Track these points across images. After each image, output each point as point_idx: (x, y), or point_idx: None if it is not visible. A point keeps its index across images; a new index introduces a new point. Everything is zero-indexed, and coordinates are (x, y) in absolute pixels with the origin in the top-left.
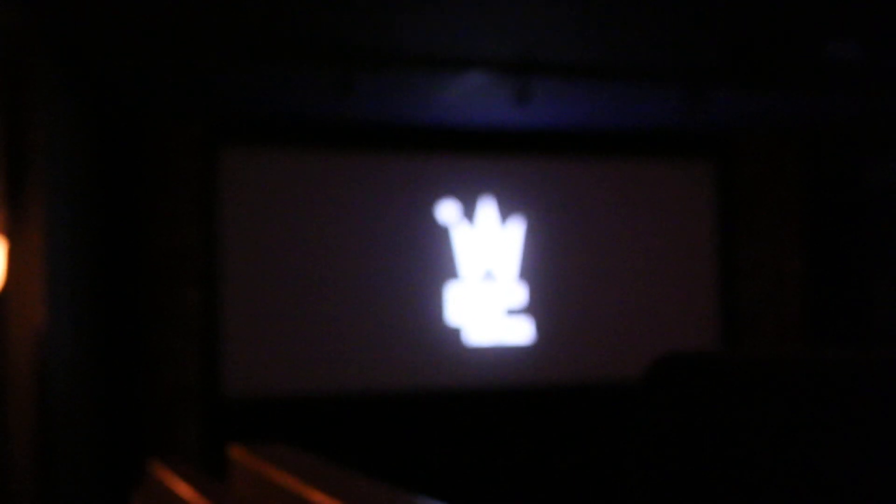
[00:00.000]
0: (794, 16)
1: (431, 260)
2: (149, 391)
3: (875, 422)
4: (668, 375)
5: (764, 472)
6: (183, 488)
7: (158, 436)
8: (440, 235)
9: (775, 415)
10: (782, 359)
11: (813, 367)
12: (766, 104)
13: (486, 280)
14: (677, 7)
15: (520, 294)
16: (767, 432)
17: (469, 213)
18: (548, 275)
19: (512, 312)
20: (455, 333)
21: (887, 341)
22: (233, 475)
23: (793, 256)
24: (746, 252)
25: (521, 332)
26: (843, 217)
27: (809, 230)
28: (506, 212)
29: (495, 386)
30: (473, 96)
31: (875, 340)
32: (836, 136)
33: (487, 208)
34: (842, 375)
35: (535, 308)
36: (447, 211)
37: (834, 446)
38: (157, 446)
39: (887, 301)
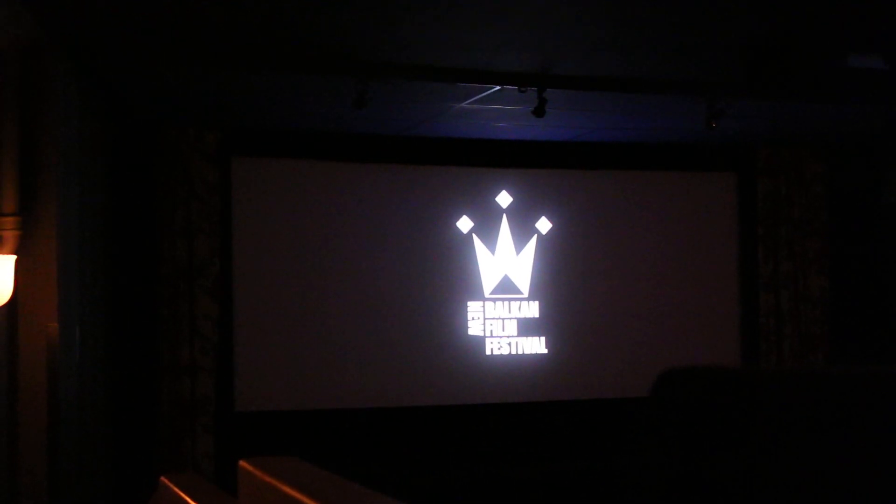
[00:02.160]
0: (815, 27)
1: (448, 272)
2: (162, 402)
3: (884, 437)
4: (672, 389)
5: (769, 487)
6: (193, 503)
7: (171, 447)
8: (457, 248)
9: (782, 430)
10: (790, 374)
11: (821, 383)
12: (788, 116)
13: (504, 292)
14: (697, 19)
15: (538, 306)
16: (774, 448)
17: (487, 225)
18: (568, 287)
19: (530, 325)
20: (472, 346)
21: None
22: (243, 489)
23: (815, 271)
24: (768, 266)
25: (540, 345)
26: (866, 231)
27: (831, 244)
28: (525, 224)
29: (512, 398)
30: (492, 108)
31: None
32: (858, 150)
33: (506, 221)
34: (851, 391)
35: (555, 320)
36: (464, 224)
37: (841, 462)
38: (169, 458)
39: None
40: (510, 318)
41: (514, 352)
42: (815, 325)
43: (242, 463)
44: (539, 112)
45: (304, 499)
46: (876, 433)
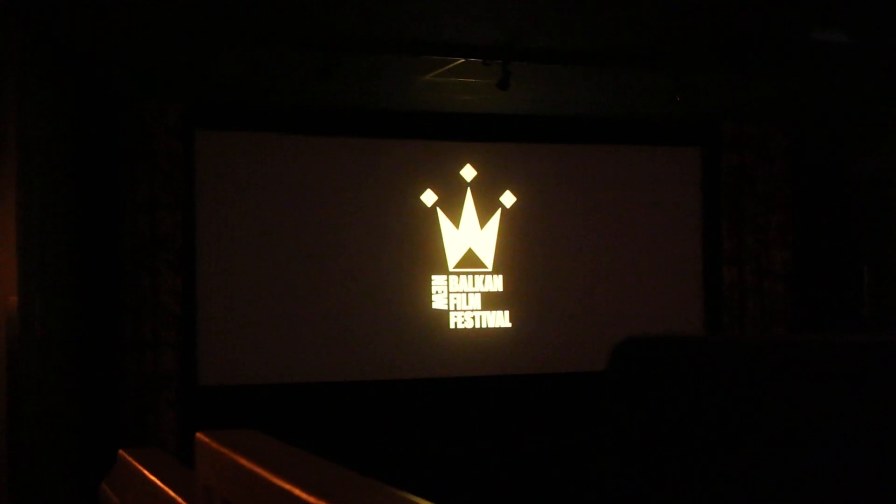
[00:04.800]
0: (780, 2)
1: (412, 246)
2: (126, 377)
3: (832, 404)
4: (629, 359)
5: (727, 456)
6: (149, 476)
7: (135, 422)
8: (421, 222)
9: (739, 399)
10: (749, 342)
11: (782, 350)
12: (754, 92)
13: (468, 266)
14: None
15: (503, 280)
16: (731, 417)
17: (451, 199)
18: (532, 261)
19: (494, 298)
20: (436, 320)
21: (871, 331)
22: (200, 462)
23: (778, 245)
24: (731, 240)
25: (504, 319)
26: (830, 207)
27: (796, 219)
28: (489, 197)
29: (476, 372)
30: (456, 81)
31: (859, 330)
32: (823, 127)
33: (470, 194)
34: (813, 358)
35: (519, 294)
36: (428, 197)
37: (803, 430)
38: (133, 433)
39: (872, 291)
40: (474, 292)
41: (478, 325)
42: (778, 299)
43: (199, 435)
44: (503, 85)
45: (260, 470)
46: (839, 401)
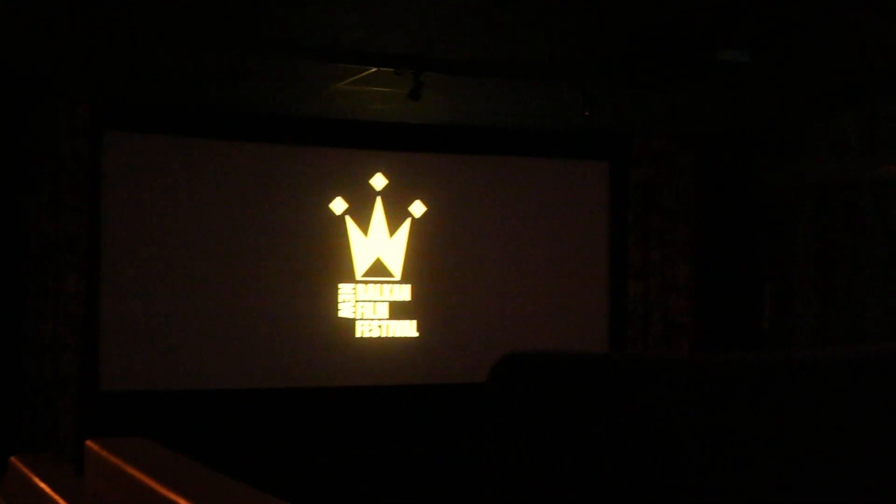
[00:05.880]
0: (686, 21)
1: (320, 254)
2: (26, 380)
3: (710, 421)
4: (508, 375)
5: (606, 470)
6: (38, 483)
7: (34, 427)
8: (330, 230)
9: (614, 415)
10: (630, 359)
11: (663, 368)
12: (661, 108)
13: (376, 275)
14: (572, 9)
15: (410, 290)
16: (605, 433)
17: (360, 207)
18: (440, 271)
19: (401, 308)
20: (342, 328)
21: (773, 345)
22: (89, 469)
23: (683, 259)
24: (637, 254)
25: (410, 328)
26: (734, 223)
27: (701, 235)
28: (399, 207)
29: (382, 381)
30: (368, 90)
31: (762, 345)
32: (729, 144)
33: (380, 203)
34: (687, 376)
35: (426, 304)
36: (338, 205)
37: (673, 446)
38: (32, 438)
39: (773, 307)
40: (382, 301)
41: (384, 334)
42: (681, 313)
43: (88, 443)
44: (415, 95)
45: (147, 479)
46: (719, 417)
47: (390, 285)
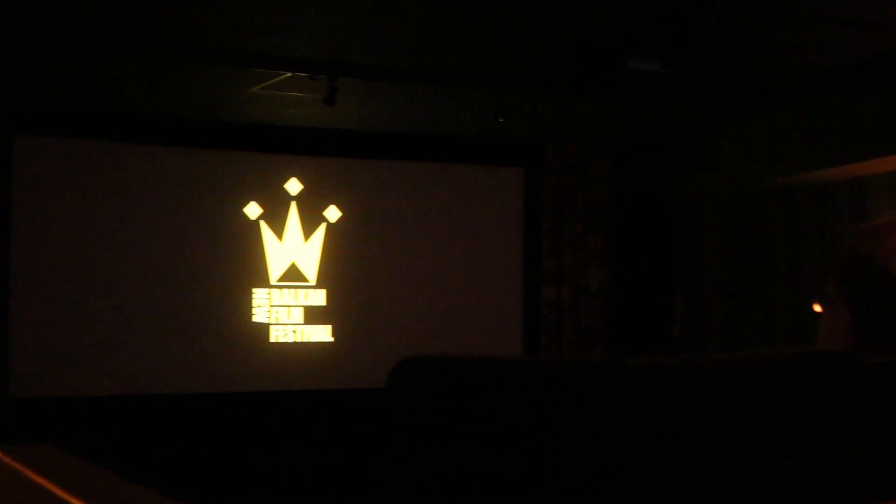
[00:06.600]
0: (597, 29)
1: (234, 259)
2: None
3: (601, 423)
4: (406, 379)
5: (505, 474)
6: None
7: None
8: (244, 234)
9: (517, 418)
10: (527, 363)
11: (559, 372)
12: (575, 116)
13: (290, 280)
14: (486, 15)
15: (325, 294)
16: (508, 436)
17: (275, 212)
18: (355, 276)
19: (316, 313)
20: (256, 333)
21: (684, 351)
22: None
23: (595, 265)
24: (551, 260)
25: (325, 333)
26: (646, 231)
27: (613, 241)
28: (314, 212)
29: (296, 386)
30: (283, 94)
31: (673, 350)
32: (642, 153)
33: (294, 208)
34: (589, 380)
35: (341, 309)
36: (252, 210)
37: (567, 448)
38: None
39: (683, 313)
40: (296, 306)
41: (299, 339)
42: (594, 318)
43: None
44: (329, 100)
45: (53, 488)
46: (612, 419)
47: (305, 290)
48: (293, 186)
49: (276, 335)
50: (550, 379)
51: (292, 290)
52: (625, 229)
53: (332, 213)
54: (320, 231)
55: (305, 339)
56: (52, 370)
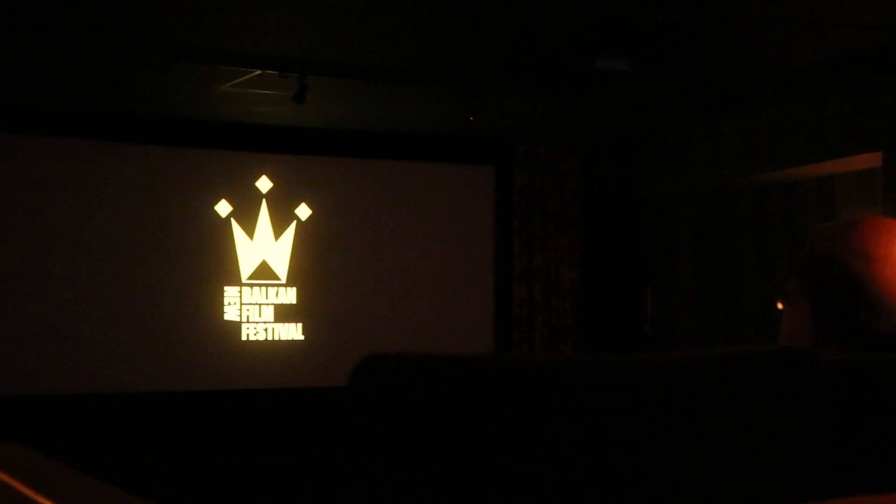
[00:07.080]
0: (565, 28)
1: (205, 257)
2: None
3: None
4: (368, 377)
5: (465, 473)
6: None
7: None
8: (215, 232)
9: (477, 416)
10: (486, 360)
11: (518, 368)
12: (544, 114)
13: (261, 278)
14: (454, 15)
15: (296, 293)
16: (468, 434)
17: (246, 210)
18: (326, 274)
19: (287, 311)
20: (227, 331)
21: (655, 349)
22: None
23: (566, 263)
24: (522, 258)
25: (296, 331)
26: (617, 229)
27: (584, 239)
28: (284, 210)
29: (267, 384)
30: (253, 92)
31: (644, 348)
32: (612, 151)
33: (265, 206)
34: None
35: (312, 307)
36: (223, 208)
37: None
38: None
39: (654, 311)
40: (267, 304)
41: (270, 338)
42: (565, 316)
43: None
44: (299, 98)
45: (18, 485)
46: (587, 420)
47: (276, 288)
48: (264, 184)
49: (248, 333)
50: (512, 376)
51: (263, 289)
52: (596, 227)
53: (304, 211)
54: (291, 229)
55: (276, 338)
56: (21, 368)
